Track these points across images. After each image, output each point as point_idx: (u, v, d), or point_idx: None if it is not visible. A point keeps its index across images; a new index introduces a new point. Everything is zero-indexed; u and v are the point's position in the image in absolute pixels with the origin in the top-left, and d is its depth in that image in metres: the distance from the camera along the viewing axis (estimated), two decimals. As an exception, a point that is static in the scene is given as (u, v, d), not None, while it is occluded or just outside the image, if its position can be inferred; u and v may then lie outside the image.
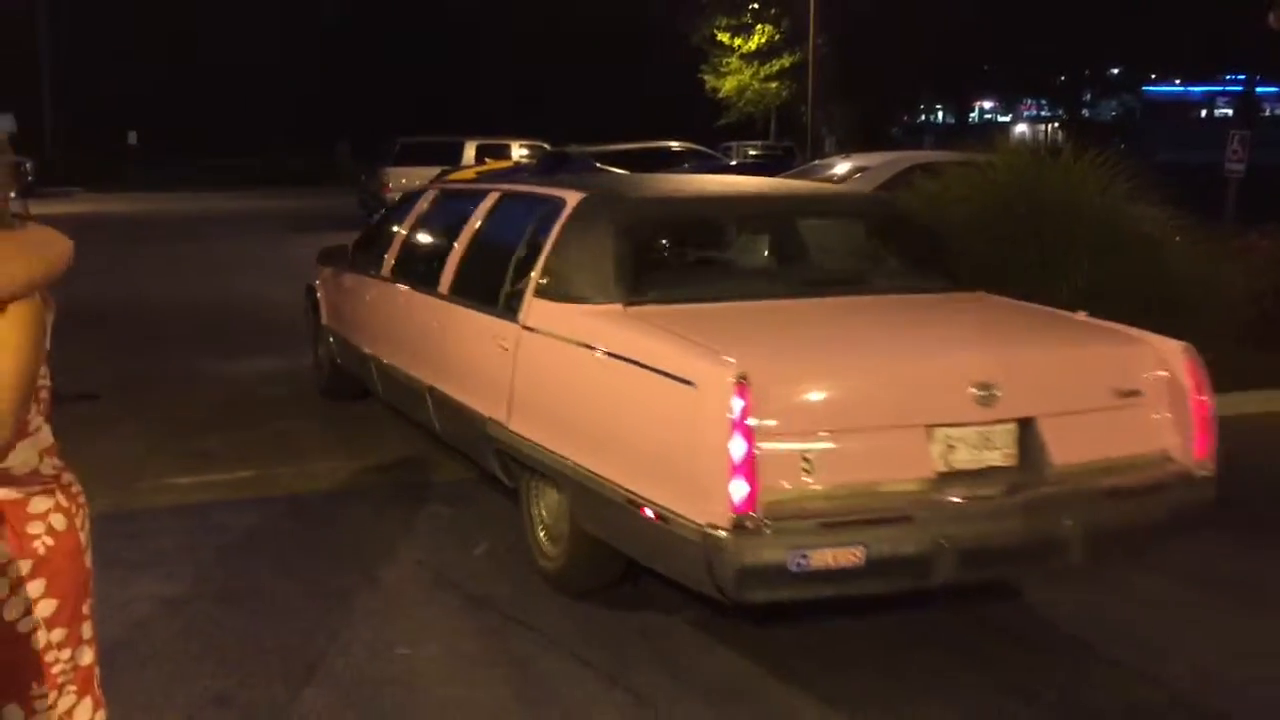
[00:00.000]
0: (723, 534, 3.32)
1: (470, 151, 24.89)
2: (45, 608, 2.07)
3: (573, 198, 4.81)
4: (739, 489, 3.33)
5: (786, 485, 3.45)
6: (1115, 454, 3.85)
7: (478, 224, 5.48)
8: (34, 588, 2.04)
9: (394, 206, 7.18)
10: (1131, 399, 3.90)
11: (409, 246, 6.28)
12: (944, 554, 3.46)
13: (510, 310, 4.65)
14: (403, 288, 6.02)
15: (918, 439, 3.60)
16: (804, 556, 3.33)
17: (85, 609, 2.16)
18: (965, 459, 3.65)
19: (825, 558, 3.35)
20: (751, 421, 3.35)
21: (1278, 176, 22.16)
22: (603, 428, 3.96)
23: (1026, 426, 3.71)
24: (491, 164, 22.86)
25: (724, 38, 38.78)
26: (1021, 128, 50.63)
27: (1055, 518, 3.61)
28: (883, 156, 11.94)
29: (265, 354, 9.23)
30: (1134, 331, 4.26)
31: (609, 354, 3.96)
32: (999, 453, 3.69)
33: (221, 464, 6.22)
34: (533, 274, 4.59)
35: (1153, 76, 55.53)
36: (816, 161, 15.34)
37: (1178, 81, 60.02)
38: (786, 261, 5.25)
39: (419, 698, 3.66)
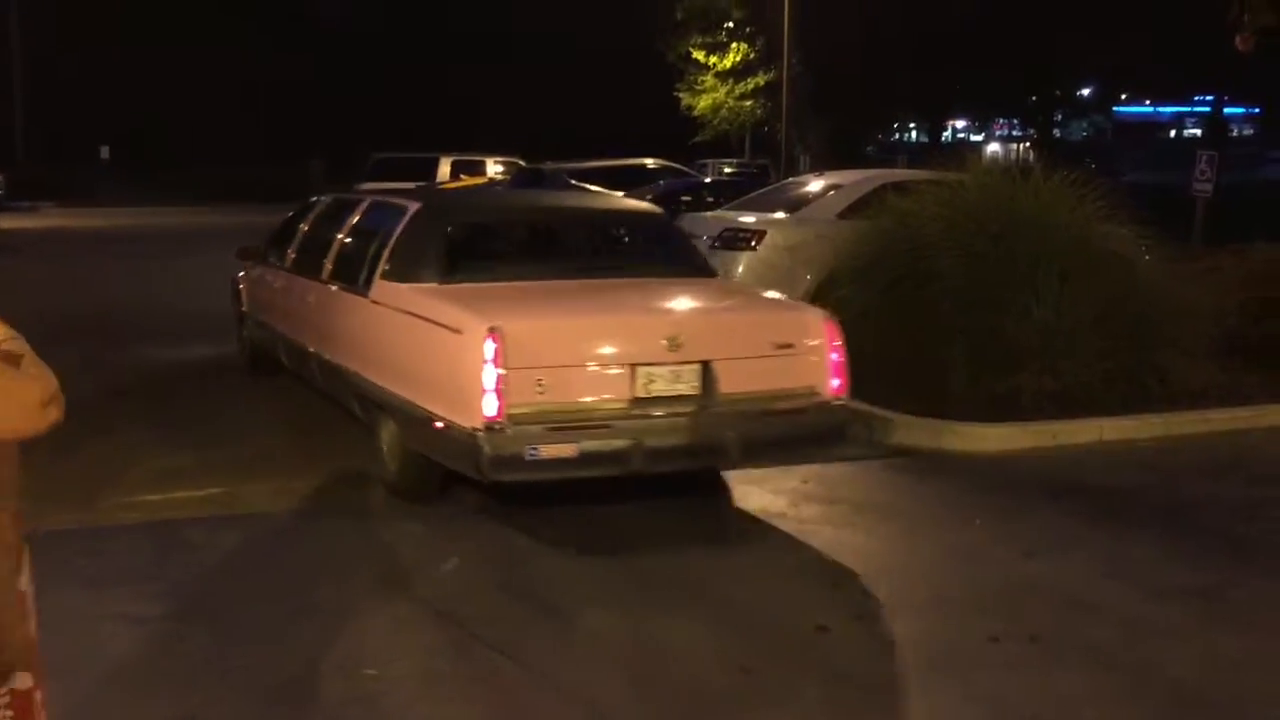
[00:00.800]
0: (480, 434, 4.87)
1: (445, 167, 24.87)
2: None
3: (413, 206, 6.39)
4: (490, 404, 4.87)
5: (525, 403, 4.95)
6: (772, 387, 5.43)
7: (350, 224, 7.08)
8: None
9: (298, 210, 8.49)
10: (787, 349, 5.49)
11: (303, 242, 7.74)
12: (638, 451, 5.05)
13: (365, 289, 6.14)
14: (297, 275, 7.51)
15: (624, 373, 5.15)
16: (535, 449, 4.91)
17: None
18: (660, 388, 5.18)
19: (550, 450, 4.93)
20: (499, 359, 4.88)
21: (1245, 196, 22.47)
22: (415, 369, 5.54)
23: (706, 366, 5.23)
24: (466, 180, 22.83)
25: (699, 55, 38.93)
26: (994, 147, 51.03)
27: (721, 430, 5.22)
28: (855, 175, 11.98)
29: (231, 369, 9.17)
30: (791, 302, 6.46)
31: (420, 317, 5.54)
32: (685, 384, 5.23)
33: (191, 480, 6.16)
34: (380, 262, 6.11)
35: (1123, 97, 56.13)
36: (789, 179, 15.39)
37: (1147, 102, 60.73)
38: (561, 254, 6.98)
39: (386, 718, 3.62)
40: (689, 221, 11.61)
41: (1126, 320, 7.63)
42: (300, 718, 3.61)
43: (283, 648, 4.08)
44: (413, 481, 5.74)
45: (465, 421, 4.95)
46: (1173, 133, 64.49)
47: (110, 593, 4.53)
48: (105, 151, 39.65)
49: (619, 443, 5.05)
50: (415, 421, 5.44)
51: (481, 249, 6.75)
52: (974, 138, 61.13)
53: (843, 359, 5.55)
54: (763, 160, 35.04)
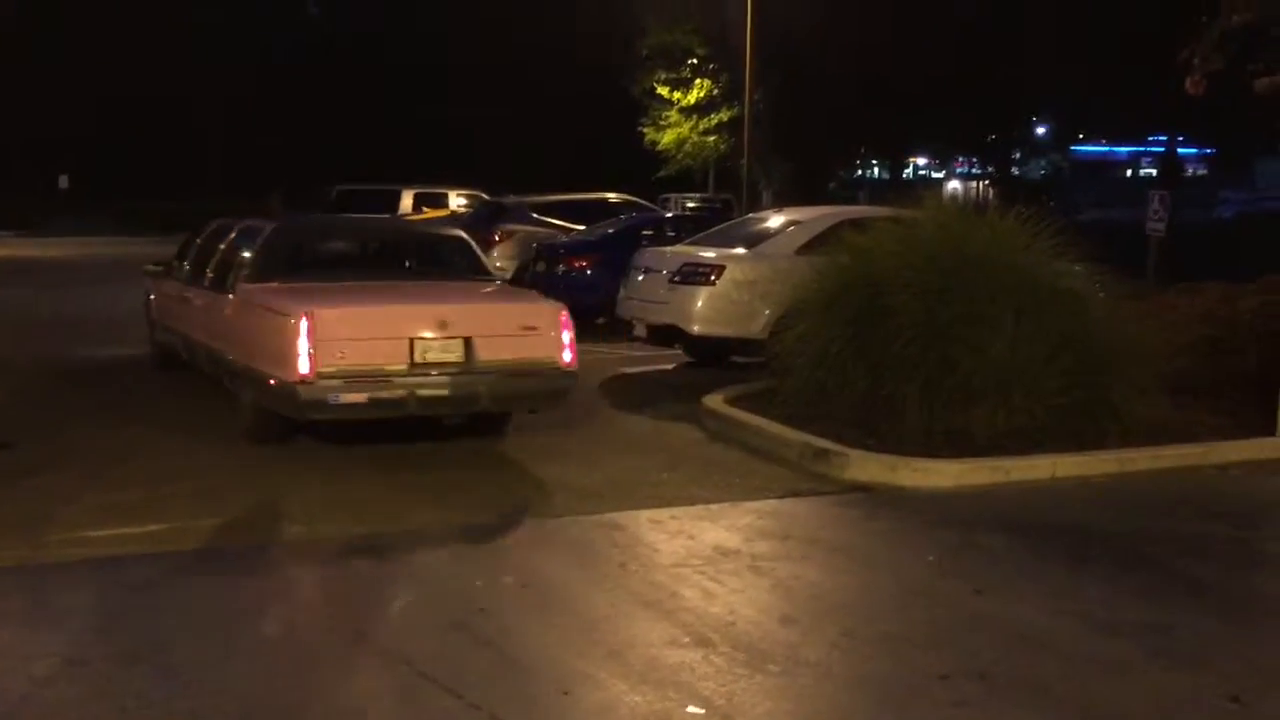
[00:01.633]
0: (298, 386, 6.91)
1: (407, 200, 24.84)
2: None
3: (269, 227, 8.77)
4: (304, 365, 6.89)
5: (330, 364, 6.93)
6: (518, 357, 7.47)
7: (227, 241, 9.00)
8: None
9: (193, 233, 10.21)
10: (531, 331, 7.59)
11: (194, 258, 9.62)
12: (412, 399, 7.14)
13: (230, 289, 8.22)
14: (188, 285, 9.43)
15: (405, 344, 7.17)
16: (337, 396, 6.96)
17: None
18: (433, 356, 7.22)
19: (347, 397, 6.98)
20: (311, 334, 6.91)
21: (1199, 235, 22.85)
22: (259, 345, 7.48)
23: (468, 341, 7.29)
24: (429, 213, 22.82)
25: (663, 91, 39.19)
26: (954, 184, 51.64)
27: (476, 385, 7.30)
28: (814, 211, 12.07)
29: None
30: (537, 296, 8.73)
31: (262, 306, 7.57)
32: (452, 354, 7.27)
33: (137, 516, 6.06)
34: (241, 269, 8.29)
35: (1080, 136, 56.99)
36: (750, 214, 15.48)
37: (1104, 142, 61.69)
38: (375, 263, 9.21)
39: (329, 760, 3.55)
40: (648, 256, 11.66)
41: (1080, 357, 7.69)
42: (240, 760, 3.53)
43: (224, 689, 4.00)
44: (261, 429, 7.75)
45: (288, 377, 6.98)
46: (1129, 172, 65.51)
47: (49, 632, 4.43)
48: (64, 181, 39.26)
49: (398, 393, 7.14)
50: (258, 382, 7.46)
51: (315, 259, 8.94)
52: (935, 175, 61.84)
53: (572, 339, 7.68)
54: (726, 195, 35.25)
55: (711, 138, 39.11)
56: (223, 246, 9.00)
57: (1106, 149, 64.10)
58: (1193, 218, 30.12)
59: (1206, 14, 10.28)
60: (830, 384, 7.92)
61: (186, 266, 9.68)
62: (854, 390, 7.79)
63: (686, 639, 4.50)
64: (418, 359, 7.20)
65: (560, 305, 7.87)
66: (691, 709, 3.90)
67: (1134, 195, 30.24)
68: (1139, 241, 15.95)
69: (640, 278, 11.39)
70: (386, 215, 15.54)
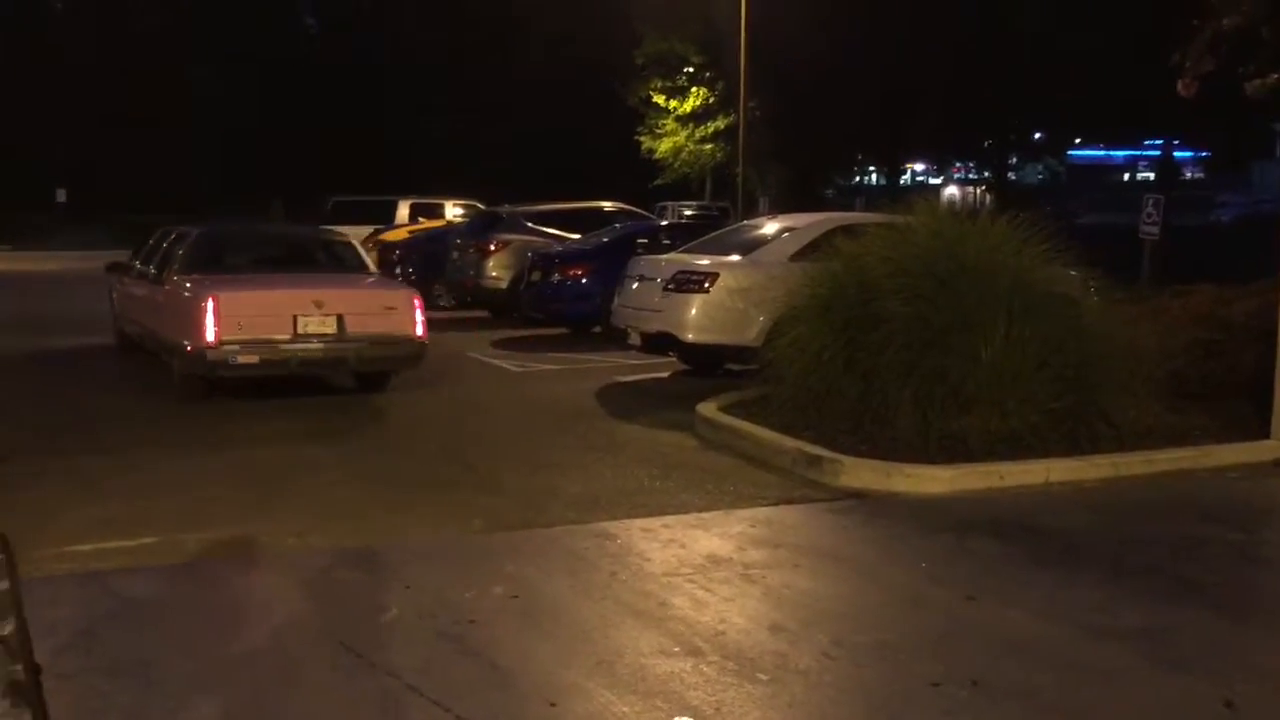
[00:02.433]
0: (206, 350, 9.16)
1: (404, 210, 24.88)
2: None
3: (196, 232, 11.11)
4: (210, 333, 9.10)
5: (230, 335, 9.13)
6: (381, 331, 9.72)
7: (168, 244, 11.31)
8: None
9: (146, 239, 12.45)
10: (392, 310, 9.87)
11: (144, 257, 11.89)
12: (294, 360, 9.40)
13: (165, 280, 10.51)
14: (139, 279, 11.67)
15: (289, 320, 9.39)
16: (235, 358, 9.19)
17: None
18: (312, 329, 9.43)
19: (243, 359, 9.18)
20: (216, 312, 9.13)
21: (1194, 239, 22.85)
22: (180, 322, 9.56)
23: (341, 318, 9.51)
24: (425, 223, 22.82)
25: (660, 100, 39.29)
26: (951, 190, 51.67)
27: (344, 352, 9.58)
28: (808, 218, 12.06)
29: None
30: (398, 284, 12.12)
31: (184, 292, 9.80)
32: (327, 327, 9.50)
33: (124, 529, 6.04)
34: (173, 263, 10.57)
35: (1077, 141, 57.06)
36: (745, 221, 15.47)
37: (1101, 146, 61.78)
38: (277, 261, 11.12)
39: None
40: (643, 264, 11.65)
41: (1073, 361, 7.67)
42: (223, 775, 3.50)
43: (210, 702, 3.97)
44: (187, 390, 9.82)
45: (199, 344, 9.24)
46: (1126, 176, 65.60)
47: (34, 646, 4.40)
48: (62, 195, 39.31)
49: (283, 355, 9.46)
50: (180, 350, 9.59)
51: (228, 257, 11.06)
52: (932, 180, 61.92)
53: (424, 317, 10.03)
54: (723, 203, 35.32)
55: (708, 146, 39.20)
56: (165, 247, 11.37)
57: (1104, 153, 64.19)
58: (1191, 221, 30.14)
59: (1198, 16, 10.27)
60: (823, 391, 7.91)
61: (137, 264, 12.04)
62: (847, 397, 7.77)
63: (676, 648, 4.48)
64: (299, 330, 9.53)
65: (414, 290, 10.61)
66: (680, 719, 3.87)
67: (1132, 199, 30.25)
68: (1135, 245, 15.94)
69: (634, 286, 11.37)
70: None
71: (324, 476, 7.33)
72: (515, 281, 16.05)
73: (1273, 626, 5.01)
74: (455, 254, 17.73)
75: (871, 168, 58.38)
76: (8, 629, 1.59)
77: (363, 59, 49.54)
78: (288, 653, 4.44)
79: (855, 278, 8.21)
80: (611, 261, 13.12)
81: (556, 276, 14.74)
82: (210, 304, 9.18)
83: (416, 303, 10.02)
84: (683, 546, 5.83)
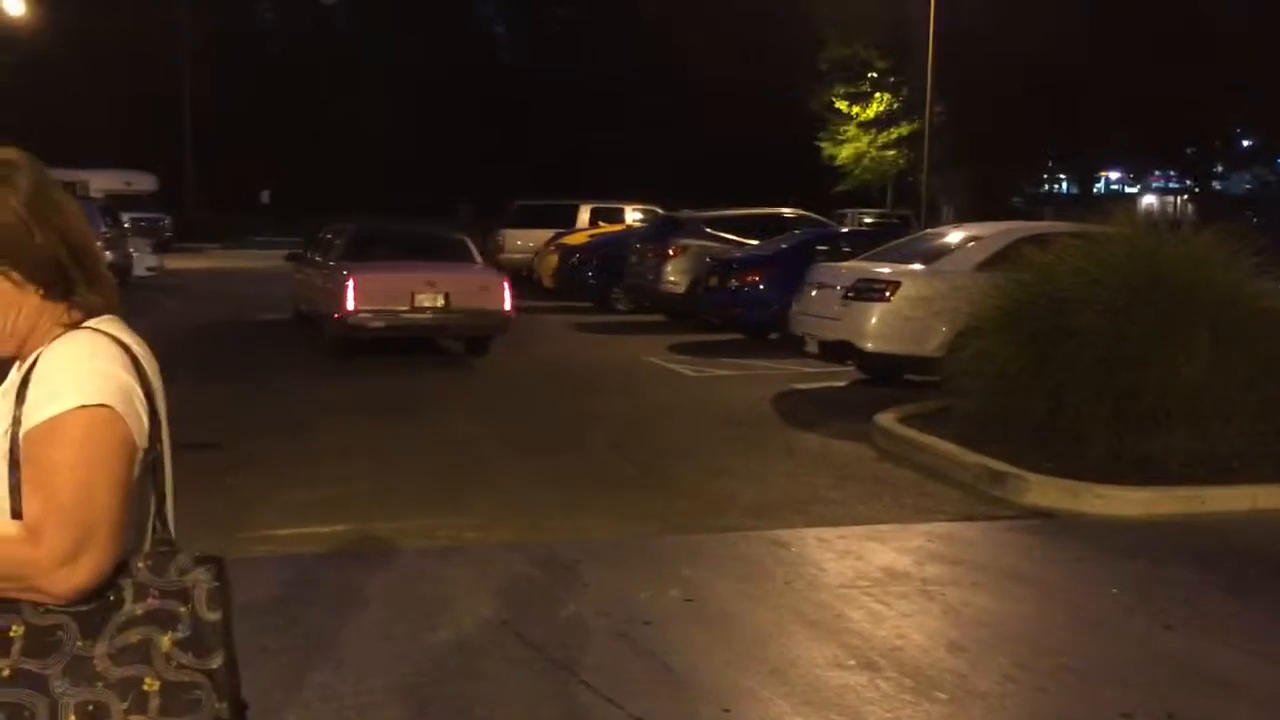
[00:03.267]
0: (347, 315, 12.30)
1: (585, 215, 25.27)
2: None
3: (351, 228, 14.70)
4: (351, 304, 12.26)
5: (365, 306, 12.31)
6: (478, 306, 12.74)
7: (329, 237, 14.61)
8: None
9: (314, 233, 15.85)
10: (486, 289, 12.89)
11: (309, 249, 15.30)
12: (413, 325, 12.68)
13: (323, 267, 13.85)
14: (305, 267, 15.07)
15: (409, 296, 12.49)
16: (369, 323, 12.37)
17: None
18: (424, 302, 12.52)
19: (374, 324, 12.36)
20: (356, 289, 12.32)
21: None
22: (332, 296, 12.71)
23: (448, 295, 12.54)
24: (605, 227, 23.16)
25: (842, 105, 38.80)
26: (1149, 199, 49.25)
27: (449, 320, 12.77)
28: (994, 227, 11.72)
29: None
30: (493, 270, 14.38)
31: (337, 272, 12.91)
32: (438, 302, 12.56)
33: (322, 516, 6.34)
34: (332, 252, 13.99)
35: (1290, 148, 53.52)
36: (928, 230, 15.13)
37: (1317, 153, 57.74)
38: (406, 252, 13.82)
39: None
40: (822, 271, 11.53)
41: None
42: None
43: (394, 685, 4.12)
44: (334, 349, 12.79)
45: (343, 312, 12.21)
46: (1345, 185, 61.16)
47: (238, 624, 4.66)
48: (266, 197, 41.53)
49: (403, 323, 12.47)
50: (331, 319, 12.61)
51: (370, 249, 13.88)
52: (1129, 189, 59.14)
53: (512, 296, 12.91)
54: (904, 211, 34.61)
55: (890, 152, 38.50)
56: (325, 240, 14.79)
57: (1319, 161, 60.04)
58: None
59: None
60: (1008, 405, 7.65)
61: (306, 254, 15.47)
62: (1034, 412, 7.49)
63: (852, 661, 4.41)
64: (415, 304, 12.54)
65: (505, 275, 13.76)
66: (855, 733, 3.81)
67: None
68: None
69: (814, 293, 11.27)
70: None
71: (504, 475, 7.53)
72: (693, 286, 16.13)
73: None
74: (634, 258, 17.94)
75: (1062, 175, 56.20)
76: (216, 662, 1.55)
77: (550, 66, 50.68)
78: (467, 643, 4.57)
79: (1045, 288, 7.92)
80: (790, 268, 13.04)
81: (734, 282, 14.73)
82: (351, 283, 12.39)
83: (505, 284, 13.03)
84: (859, 558, 5.74)
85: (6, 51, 36.10)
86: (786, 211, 18.86)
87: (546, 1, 55.98)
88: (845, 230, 19.77)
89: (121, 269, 20.31)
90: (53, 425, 1.51)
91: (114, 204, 24.96)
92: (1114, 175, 61.28)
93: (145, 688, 1.50)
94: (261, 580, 5.26)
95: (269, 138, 45.98)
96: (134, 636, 1.52)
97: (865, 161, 38.96)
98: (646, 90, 47.95)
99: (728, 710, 3.98)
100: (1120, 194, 54.35)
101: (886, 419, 8.60)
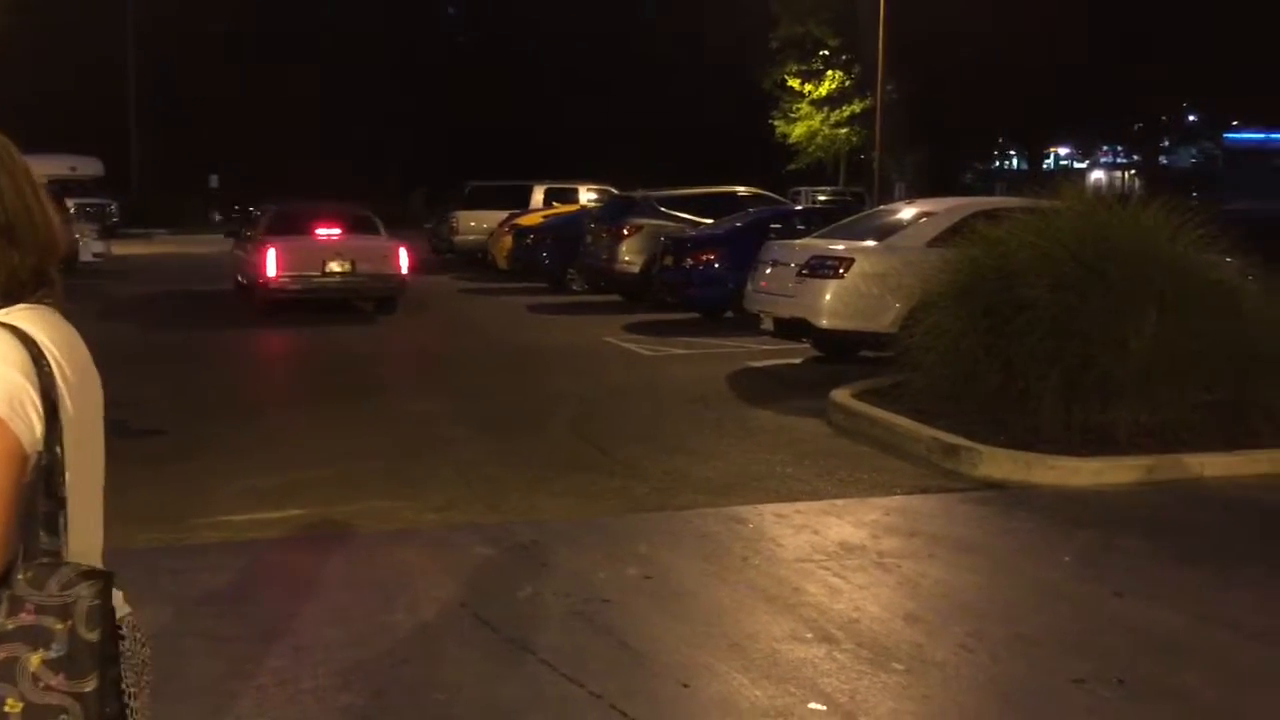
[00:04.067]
0: (270, 280, 15.09)
1: (538, 195, 25.18)
2: None
3: (270, 208, 17.89)
4: (272, 270, 15.03)
5: (284, 272, 15.10)
6: (380, 270, 15.63)
7: (260, 215, 17.96)
8: None
9: (246, 215, 21.32)
10: (386, 256, 15.64)
11: (243, 226, 19.62)
12: (323, 288, 15.52)
13: (252, 240, 16.65)
14: (241, 241, 18.16)
15: (322, 263, 15.27)
16: (291, 287, 15.27)
17: None
18: (334, 268, 15.27)
19: (291, 286, 15.22)
20: (276, 258, 15.06)
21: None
22: (257, 264, 15.50)
23: (354, 261, 15.36)
24: (559, 207, 23.07)
25: (794, 83, 38.85)
26: (1098, 174, 49.82)
27: (355, 283, 15.59)
28: (946, 203, 11.80)
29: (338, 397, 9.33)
30: (392, 240, 16.11)
31: (258, 243, 15.76)
32: (345, 268, 15.35)
33: (277, 501, 6.29)
34: (258, 228, 17.01)
35: (1234, 123, 54.33)
36: (881, 206, 15.21)
37: (1261, 128, 58.66)
38: (320, 224, 16.04)
39: (452, 743, 3.61)
40: (776, 249, 11.57)
41: (1230, 352, 7.34)
42: (367, 740, 3.62)
43: (353, 669, 4.10)
44: (262, 310, 15.04)
45: (265, 278, 14.96)
46: (1288, 159, 62.21)
47: (195, 612, 4.62)
48: (215, 181, 40.95)
49: (315, 286, 15.18)
50: (257, 284, 15.25)
51: (291, 224, 15.94)
52: (1077, 165, 59.76)
53: (409, 261, 15.64)
54: (857, 188, 34.78)
55: (843, 130, 38.63)
56: (257, 216, 17.81)
57: (1264, 135, 61.02)
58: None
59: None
60: (961, 379, 7.73)
61: (243, 232, 18.41)
62: (986, 385, 7.57)
63: (809, 634, 4.45)
64: (326, 270, 15.16)
65: (402, 243, 15.90)
66: (813, 705, 3.84)
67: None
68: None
69: (768, 271, 11.30)
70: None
71: (461, 456, 7.49)
72: (648, 266, 16.12)
73: None
74: (588, 238, 17.89)
75: (1012, 151, 56.71)
76: (90, 685, 1.44)
77: (501, 48, 50.31)
78: (426, 626, 4.56)
79: (996, 263, 7.99)
80: (744, 246, 13.06)
81: (689, 261, 14.74)
82: (272, 253, 14.94)
83: (402, 251, 15.61)
84: (815, 533, 5.78)
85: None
86: (740, 190, 18.88)
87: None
88: (799, 208, 19.81)
89: (67, 255, 20.01)
90: None
91: (59, 189, 24.52)
92: (1063, 151, 61.89)
93: (6, 709, 1.41)
94: (216, 567, 5.21)
95: (218, 121, 45.28)
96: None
97: (818, 139, 39.07)
98: (600, 71, 47.77)
99: (686, 685, 4.00)
100: (1069, 169, 54.93)
101: (842, 395, 8.65)
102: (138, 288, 19.89)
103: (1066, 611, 4.77)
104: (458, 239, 25.21)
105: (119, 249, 26.14)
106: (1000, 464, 6.87)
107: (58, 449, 1.47)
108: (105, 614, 1.44)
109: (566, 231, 19.16)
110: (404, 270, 15.53)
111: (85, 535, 1.53)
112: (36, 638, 1.40)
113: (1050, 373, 7.25)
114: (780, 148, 39.91)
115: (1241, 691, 4.01)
